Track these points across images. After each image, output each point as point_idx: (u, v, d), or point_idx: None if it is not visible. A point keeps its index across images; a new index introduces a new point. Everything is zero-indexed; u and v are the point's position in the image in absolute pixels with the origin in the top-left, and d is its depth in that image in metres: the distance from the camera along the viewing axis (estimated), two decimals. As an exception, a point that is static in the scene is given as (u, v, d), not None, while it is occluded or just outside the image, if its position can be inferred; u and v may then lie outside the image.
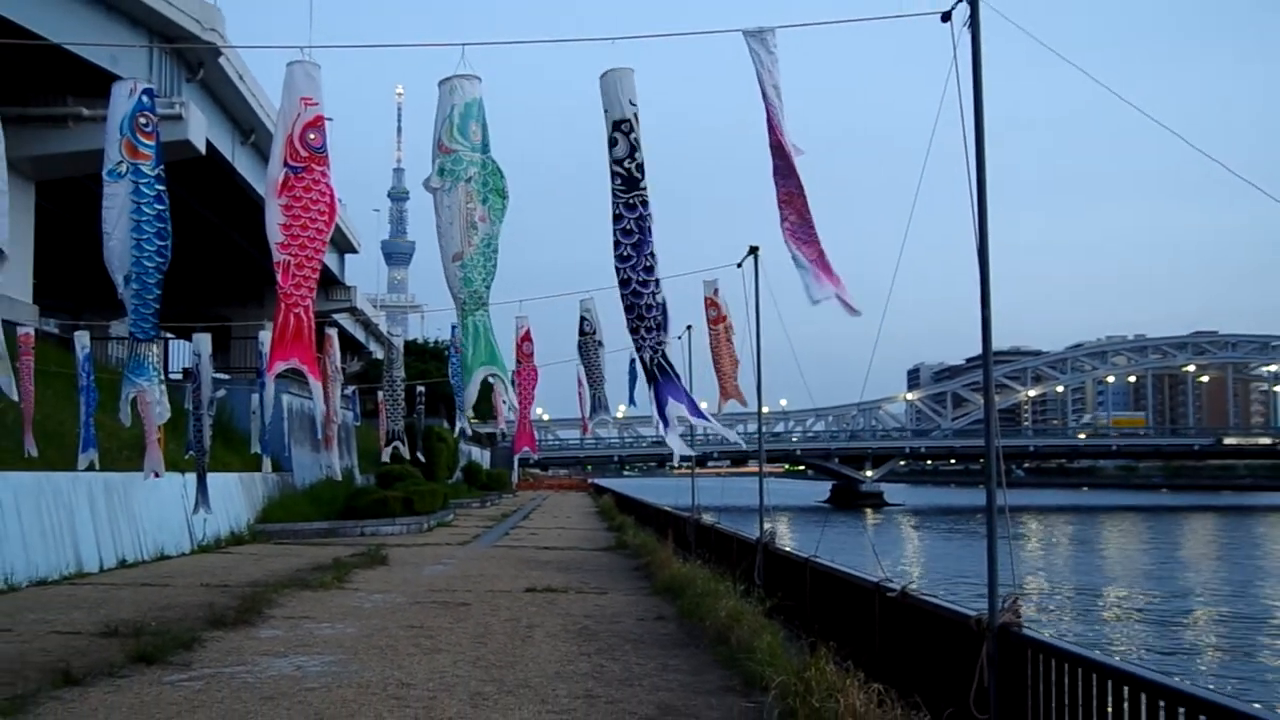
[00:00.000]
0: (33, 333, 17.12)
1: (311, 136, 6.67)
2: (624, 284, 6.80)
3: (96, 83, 21.67)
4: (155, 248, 7.37)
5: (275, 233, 6.59)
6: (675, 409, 6.86)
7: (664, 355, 6.90)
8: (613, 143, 6.66)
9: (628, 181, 6.67)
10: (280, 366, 6.64)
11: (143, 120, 7.42)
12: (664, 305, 6.87)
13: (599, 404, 17.78)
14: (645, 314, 6.78)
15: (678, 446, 7.22)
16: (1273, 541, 47.19)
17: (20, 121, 21.87)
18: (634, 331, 6.92)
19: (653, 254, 6.75)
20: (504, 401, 20.43)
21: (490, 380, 7.09)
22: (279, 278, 6.61)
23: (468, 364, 6.88)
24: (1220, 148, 6.29)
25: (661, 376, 6.85)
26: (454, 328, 24.34)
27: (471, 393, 7.10)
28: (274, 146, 6.78)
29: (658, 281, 6.81)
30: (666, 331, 6.99)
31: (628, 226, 6.68)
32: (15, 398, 8.45)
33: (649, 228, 6.74)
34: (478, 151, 6.65)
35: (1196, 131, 6.45)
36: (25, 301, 23.37)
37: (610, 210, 6.74)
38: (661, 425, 6.96)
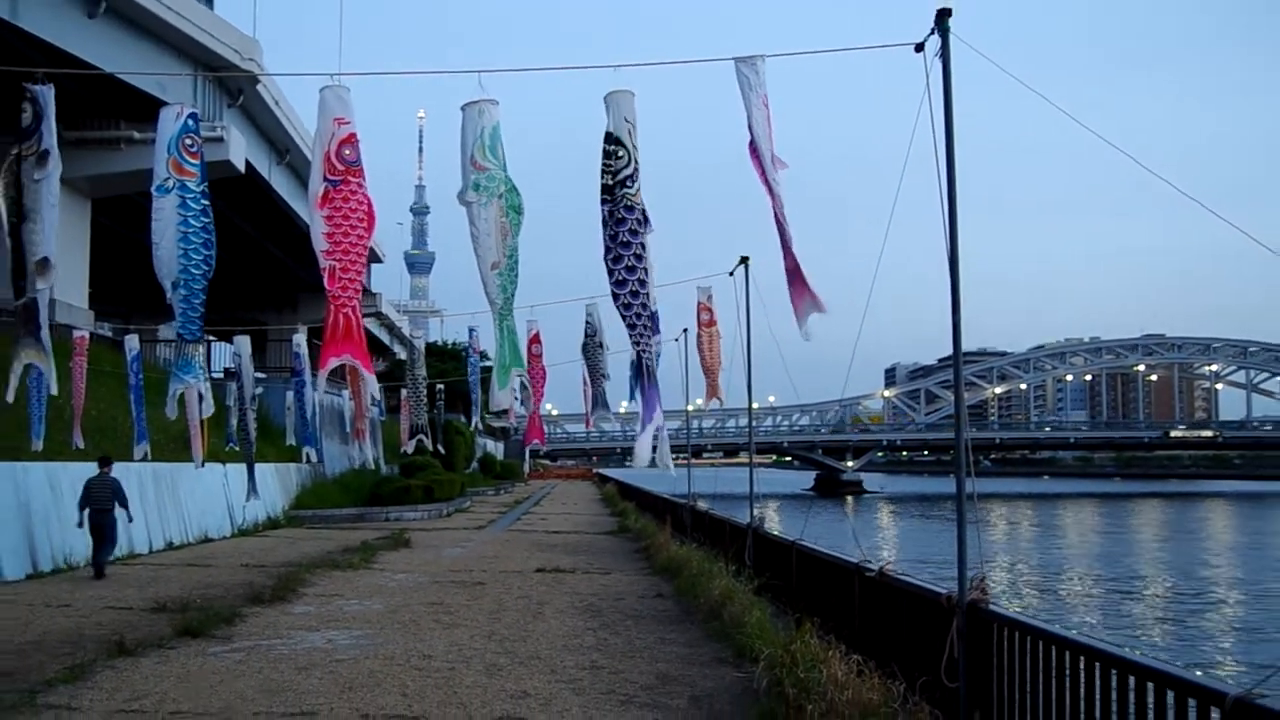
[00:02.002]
0: (87, 335, 17.12)
1: (346, 152, 6.68)
2: (619, 284, 6.70)
3: (147, 108, 21.70)
4: (201, 256, 7.36)
5: (320, 241, 6.57)
6: (658, 418, 6.77)
7: (652, 360, 6.82)
8: (606, 154, 6.60)
9: (602, 187, 6.61)
10: (334, 363, 6.58)
11: (188, 141, 7.42)
12: (655, 314, 6.82)
13: (600, 401, 17.77)
14: (641, 314, 6.73)
15: (643, 456, 7.08)
16: (1213, 525, 47.19)
17: (78, 144, 21.94)
18: (631, 329, 6.85)
19: (629, 250, 6.64)
20: (518, 399, 20.42)
21: (519, 379, 7.08)
22: (326, 282, 6.58)
23: (505, 365, 6.88)
24: (1169, 167, 6.29)
25: (649, 382, 6.77)
26: (471, 330, 24.40)
27: (506, 394, 7.07)
28: (313, 163, 6.78)
29: (649, 288, 6.75)
30: (657, 336, 6.89)
31: (624, 237, 6.61)
32: (54, 390, 8.49)
33: (628, 229, 6.61)
34: (503, 170, 6.68)
35: (1149, 152, 6.43)
36: (81, 307, 23.37)
37: (604, 209, 6.65)
38: (646, 428, 6.86)
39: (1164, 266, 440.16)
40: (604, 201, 6.60)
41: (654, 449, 7.10)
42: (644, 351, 6.82)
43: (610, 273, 6.67)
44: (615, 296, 6.72)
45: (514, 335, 6.98)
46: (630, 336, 6.91)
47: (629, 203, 6.52)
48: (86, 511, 12.79)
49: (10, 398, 8.00)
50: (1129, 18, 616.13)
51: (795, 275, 6.43)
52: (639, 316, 6.74)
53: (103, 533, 12.89)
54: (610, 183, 6.54)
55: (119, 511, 13.04)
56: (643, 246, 6.62)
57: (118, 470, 15.41)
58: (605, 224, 6.61)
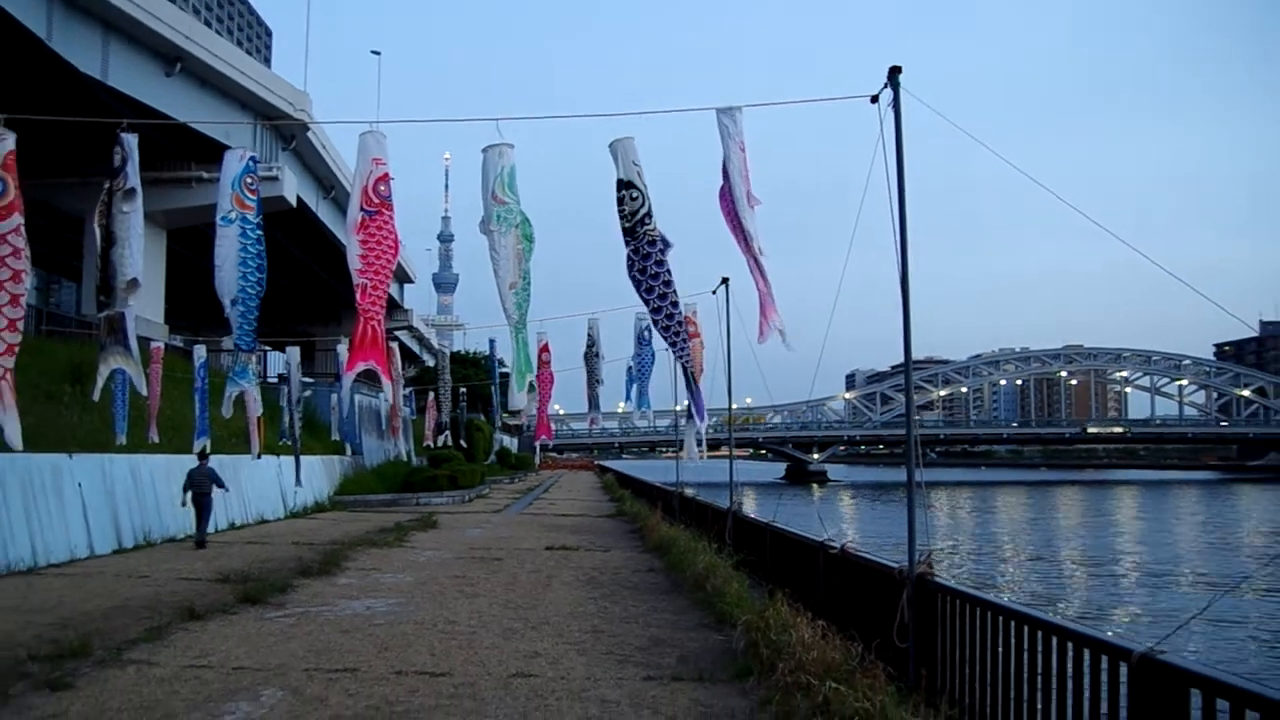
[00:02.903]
0: (162, 346, 17.13)
1: (381, 188, 6.76)
2: (656, 310, 6.74)
3: (213, 152, 21.77)
4: (256, 279, 7.40)
5: (355, 261, 6.64)
6: (700, 421, 6.91)
7: (692, 369, 6.91)
8: (620, 200, 6.63)
9: (624, 230, 6.66)
10: (360, 367, 6.63)
11: (248, 180, 7.48)
12: (678, 325, 6.89)
13: (594, 404, 17.86)
14: (680, 331, 6.82)
15: (693, 453, 7.17)
16: (1122, 507, 47.30)
17: (155, 183, 22.08)
18: (673, 345, 6.96)
19: (659, 281, 6.71)
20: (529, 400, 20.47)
21: (529, 382, 7.19)
22: (358, 296, 6.63)
23: (520, 370, 6.96)
24: (1086, 199, 6.33)
25: (695, 388, 6.88)
26: (492, 341, 24.38)
27: (523, 396, 7.21)
28: (352, 196, 6.84)
29: (675, 304, 6.84)
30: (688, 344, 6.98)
31: (652, 269, 6.61)
32: (144, 392, 8.57)
33: (654, 262, 6.68)
34: (518, 204, 6.72)
35: (1071, 186, 6.47)
36: (158, 322, 23.39)
37: (628, 248, 6.66)
38: (700, 426, 6.97)
39: (1082, 285, 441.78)
40: (627, 242, 6.60)
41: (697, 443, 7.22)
42: (687, 363, 6.91)
43: (645, 302, 6.71)
44: (655, 321, 6.81)
45: (527, 346, 7.06)
46: (674, 352, 7.02)
47: (650, 237, 6.55)
48: (189, 493, 13.66)
49: (95, 397, 8.04)
50: (1071, 66, 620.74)
51: (765, 304, 6.50)
52: (676, 334, 6.78)
53: (202, 510, 13.79)
54: (630, 224, 6.54)
55: (216, 491, 13.99)
56: (669, 272, 6.67)
57: (191, 462, 15.67)
58: (632, 262, 6.59)
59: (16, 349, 6.17)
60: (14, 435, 6.09)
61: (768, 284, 6.51)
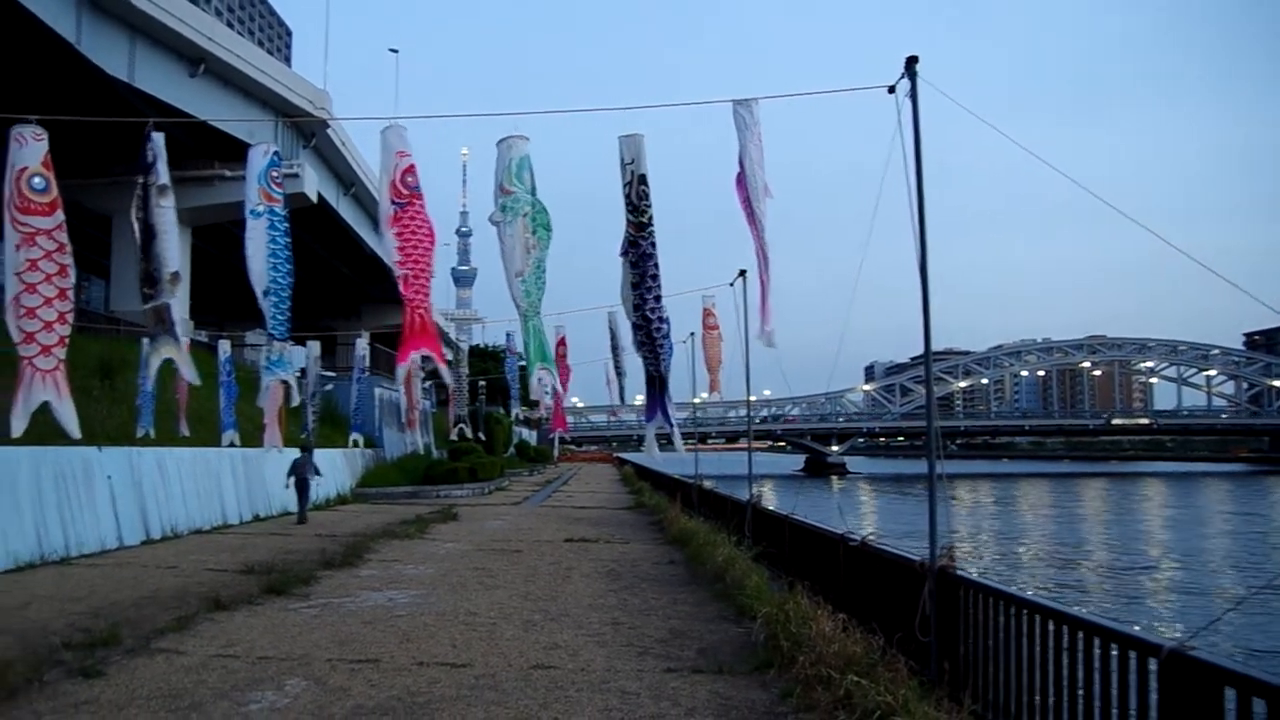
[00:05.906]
0: (188, 341, 17.33)
1: (409, 179, 6.82)
2: (645, 319, 6.70)
3: (236, 150, 22.00)
4: (287, 270, 7.50)
5: (392, 254, 6.68)
6: (658, 424, 6.87)
7: (665, 371, 6.84)
8: (627, 194, 6.61)
9: (638, 225, 6.62)
10: (413, 355, 6.68)
11: (274, 174, 7.59)
12: (669, 324, 6.82)
13: (620, 396, 17.86)
14: (663, 344, 6.74)
15: (654, 451, 7.16)
16: (1147, 500, 46.60)
17: (179, 182, 22.25)
18: (642, 345, 6.85)
19: (658, 281, 6.67)
20: (548, 391, 20.49)
21: (545, 373, 7.15)
22: (401, 287, 6.67)
23: (531, 360, 6.95)
24: (1111, 189, 6.20)
25: (661, 391, 6.79)
26: (509, 335, 24.43)
27: (535, 384, 7.20)
28: (381, 191, 6.89)
29: (661, 303, 6.75)
30: (669, 347, 6.92)
31: (649, 280, 6.58)
32: (195, 381, 8.41)
33: (655, 261, 6.64)
34: (529, 194, 6.71)
35: (1095, 176, 6.33)
36: (183, 317, 23.67)
37: (644, 251, 6.63)
38: (649, 425, 6.94)
39: (1106, 275, 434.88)
40: (642, 238, 6.57)
41: (669, 439, 7.19)
42: (659, 372, 6.84)
43: (637, 308, 6.65)
44: (639, 328, 6.70)
45: (541, 335, 7.01)
46: (639, 352, 6.93)
47: (652, 241, 6.55)
48: (292, 478, 16.14)
49: (150, 386, 8.15)
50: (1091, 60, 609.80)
51: (764, 298, 6.47)
52: (660, 346, 6.73)
53: (303, 491, 16.19)
54: (645, 220, 6.52)
55: (313, 477, 16.45)
56: (659, 285, 6.63)
57: (213, 454, 15.85)
58: (645, 257, 6.54)
59: (67, 340, 6.28)
60: (71, 423, 6.19)
61: (768, 279, 6.49)
